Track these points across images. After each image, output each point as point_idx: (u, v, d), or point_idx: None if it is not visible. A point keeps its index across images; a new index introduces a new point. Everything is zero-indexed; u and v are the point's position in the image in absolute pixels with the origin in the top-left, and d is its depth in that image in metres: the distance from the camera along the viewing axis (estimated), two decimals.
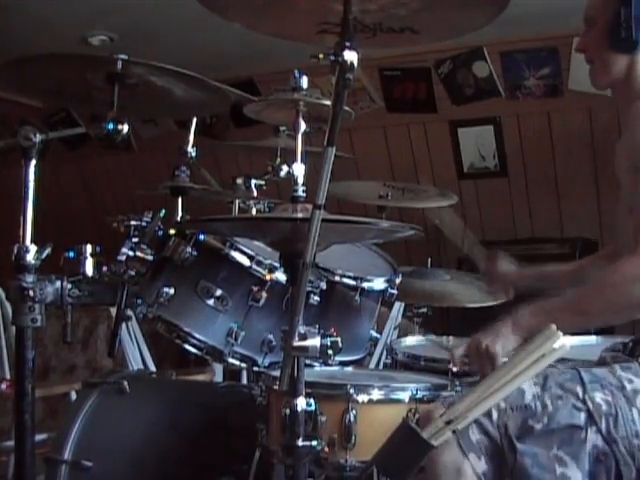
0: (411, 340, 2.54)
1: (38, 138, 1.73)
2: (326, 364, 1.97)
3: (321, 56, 1.33)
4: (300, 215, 1.58)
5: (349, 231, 1.61)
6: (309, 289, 1.94)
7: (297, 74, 2.10)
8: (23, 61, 1.79)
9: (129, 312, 2.04)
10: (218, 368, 3.26)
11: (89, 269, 1.90)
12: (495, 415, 1.47)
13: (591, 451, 1.45)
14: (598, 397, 1.48)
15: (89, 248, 1.91)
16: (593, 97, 3.86)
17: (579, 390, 1.49)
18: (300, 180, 1.96)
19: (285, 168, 2.27)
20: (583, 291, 1.66)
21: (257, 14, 1.47)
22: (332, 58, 1.32)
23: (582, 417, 1.46)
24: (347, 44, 1.32)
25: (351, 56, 1.32)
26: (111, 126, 1.82)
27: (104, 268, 1.93)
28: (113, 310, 2.05)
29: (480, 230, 4.69)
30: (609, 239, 1.90)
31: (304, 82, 2.09)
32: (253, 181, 2.36)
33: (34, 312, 1.73)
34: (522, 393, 1.49)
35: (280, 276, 1.96)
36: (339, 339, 1.41)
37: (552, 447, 1.44)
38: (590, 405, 1.46)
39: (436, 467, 1.46)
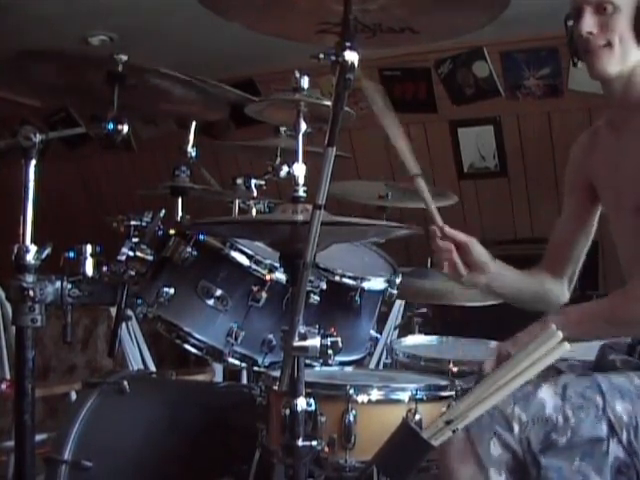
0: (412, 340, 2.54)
1: (38, 138, 1.73)
2: (326, 364, 1.97)
3: (321, 56, 1.33)
4: (300, 218, 1.57)
5: (349, 231, 1.61)
6: (309, 289, 1.93)
7: (298, 74, 2.10)
8: (23, 61, 1.79)
9: (129, 312, 2.03)
10: (218, 368, 3.25)
11: (89, 269, 1.89)
12: (517, 429, 1.45)
13: (613, 463, 1.43)
14: (619, 407, 1.46)
15: (89, 248, 1.91)
16: (593, 97, 3.86)
17: (599, 400, 1.47)
18: (300, 180, 1.96)
19: (285, 168, 2.27)
20: (614, 300, 1.67)
21: (257, 14, 1.48)
22: (332, 58, 1.32)
23: (604, 428, 1.45)
24: (347, 44, 1.32)
25: (351, 56, 1.32)
26: (111, 126, 1.82)
27: (104, 268, 1.93)
28: (113, 310, 2.05)
29: (480, 230, 4.69)
30: (609, 239, 1.88)
31: (305, 82, 2.09)
32: (253, 181, 2.36)
33: (34, 312, 1.73)
34: (543, 404, 1.46)
35: (280, 276, 1.96)
36: (339, 339, 1.41)
37: (575, 460, 1.43)
38: (611, 416, 1.45)
39: None
